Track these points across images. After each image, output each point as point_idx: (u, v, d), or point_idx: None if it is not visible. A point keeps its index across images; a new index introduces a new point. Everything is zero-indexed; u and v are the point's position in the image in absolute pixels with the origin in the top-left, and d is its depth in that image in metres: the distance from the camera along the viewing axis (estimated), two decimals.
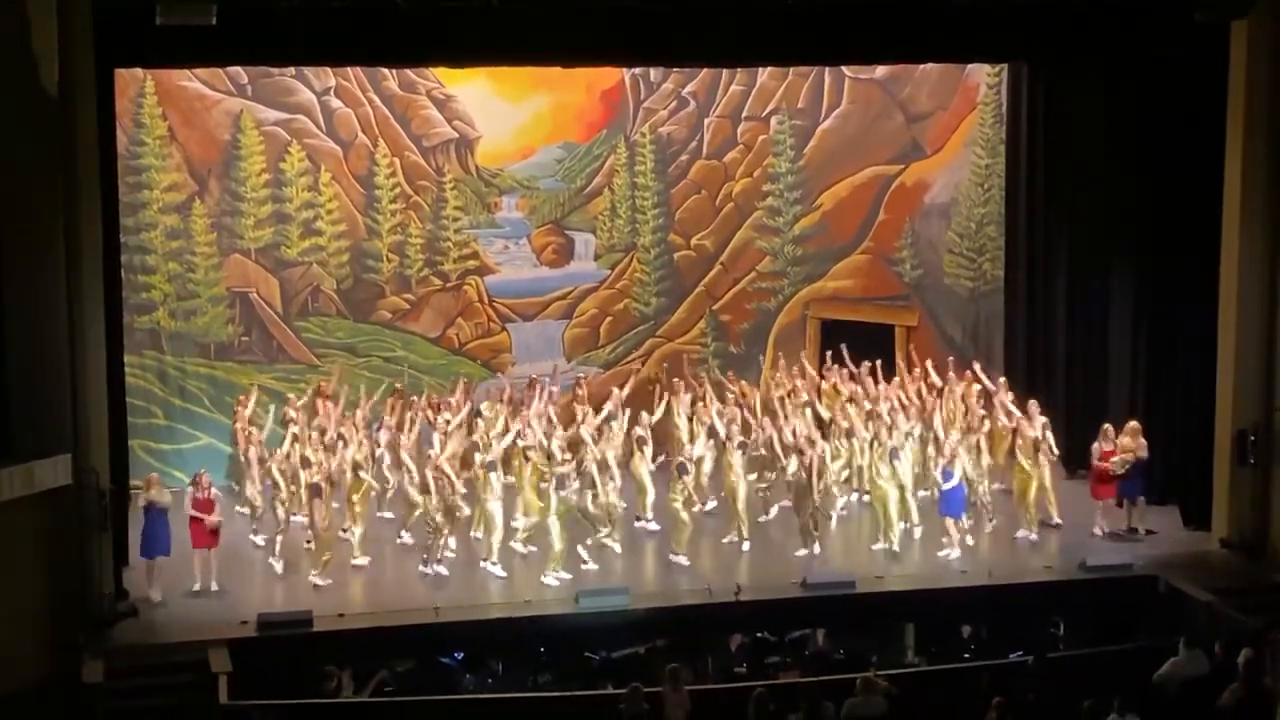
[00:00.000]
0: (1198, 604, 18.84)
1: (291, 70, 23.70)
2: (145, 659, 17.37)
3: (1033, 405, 21.46)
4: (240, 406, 22.08)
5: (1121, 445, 20.94)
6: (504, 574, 19.68)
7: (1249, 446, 20.42)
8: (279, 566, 19.90)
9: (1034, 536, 20.91)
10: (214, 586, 19.17)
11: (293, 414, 21.68)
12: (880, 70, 25.74)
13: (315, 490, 19.43)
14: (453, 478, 19.63)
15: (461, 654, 18.82)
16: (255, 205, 24.03)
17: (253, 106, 23.83)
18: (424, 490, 19.83)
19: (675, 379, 22.82)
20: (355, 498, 20.19)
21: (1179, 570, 19.80)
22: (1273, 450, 20.36)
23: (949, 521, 20.34)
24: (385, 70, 23.98)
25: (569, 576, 19.40)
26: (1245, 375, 20.52)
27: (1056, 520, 21.36)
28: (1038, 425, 21.04)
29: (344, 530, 20.30)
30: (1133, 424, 21.28)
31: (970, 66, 25.79)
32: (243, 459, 21.21)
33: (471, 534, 20.37)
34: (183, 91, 23.52)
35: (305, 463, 19.96)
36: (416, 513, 20.32)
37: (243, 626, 17.97)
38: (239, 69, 23.34)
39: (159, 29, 17.32)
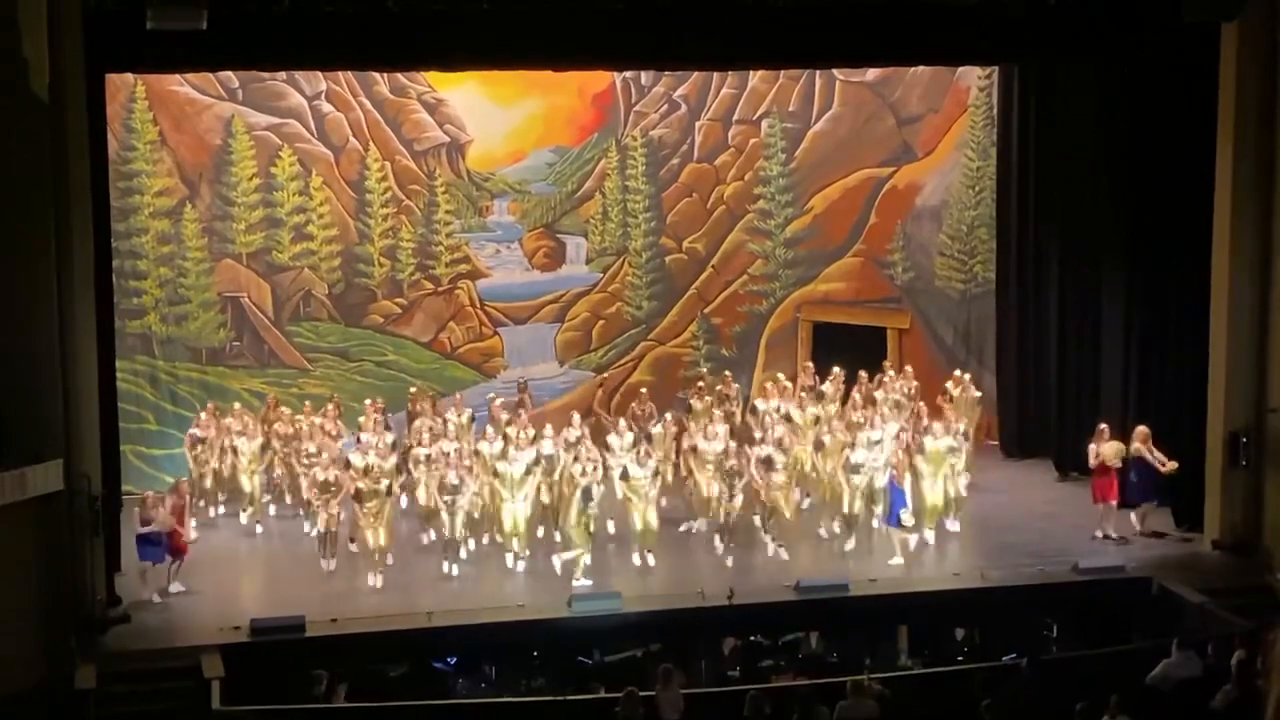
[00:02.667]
0: (1190, 605, 18.85)
1: (282, 75, 23.69)
2: (138, 664, 17.34)
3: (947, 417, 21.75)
4: (206, 431, 21.93)
5: (1133, 450, 20.93)
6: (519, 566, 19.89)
7: (1240, 448, 20.44)
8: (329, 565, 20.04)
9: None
10: (175, 587, 19.12)
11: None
12: (871, 73, 25.76)
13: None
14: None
15: (455, 658, 18.81)
16: (246, 210, 24.03)
17: (244, 111, 23.83)
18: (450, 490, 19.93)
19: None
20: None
21: (1171, 572, 19.81)
22: (1264, 452, 20.38)
23: (893, 532, 20.22)
24: (376, 74, 23.98)
25: (589, 583, 19.44)
26: (1236, 377, 20.54)
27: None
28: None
29: (351, 541, 20.40)
30: (1141, 428, 21.20)
31: (961, 69, 25.82)
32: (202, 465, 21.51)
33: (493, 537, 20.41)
34: (173, 96, 23.51)
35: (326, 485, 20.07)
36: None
37: (235, 632, 17.94)
38: (230, 74, 23.33)
39: (150, 34, 17.33)
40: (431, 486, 20.17)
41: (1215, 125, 20.48)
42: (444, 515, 20.00)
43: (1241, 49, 20.08)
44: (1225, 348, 20.58)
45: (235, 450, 21.58)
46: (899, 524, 20.02)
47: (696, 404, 22.90)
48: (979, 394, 23.88)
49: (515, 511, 19.99)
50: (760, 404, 22.77)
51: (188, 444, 21.93)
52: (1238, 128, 20.20)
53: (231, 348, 24.18)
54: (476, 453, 20.78)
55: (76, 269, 18.00)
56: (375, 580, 19.42)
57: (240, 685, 16.81)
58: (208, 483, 21.80)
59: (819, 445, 21.49)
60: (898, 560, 19.97)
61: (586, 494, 19.55)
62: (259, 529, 21.65)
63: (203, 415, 22.18)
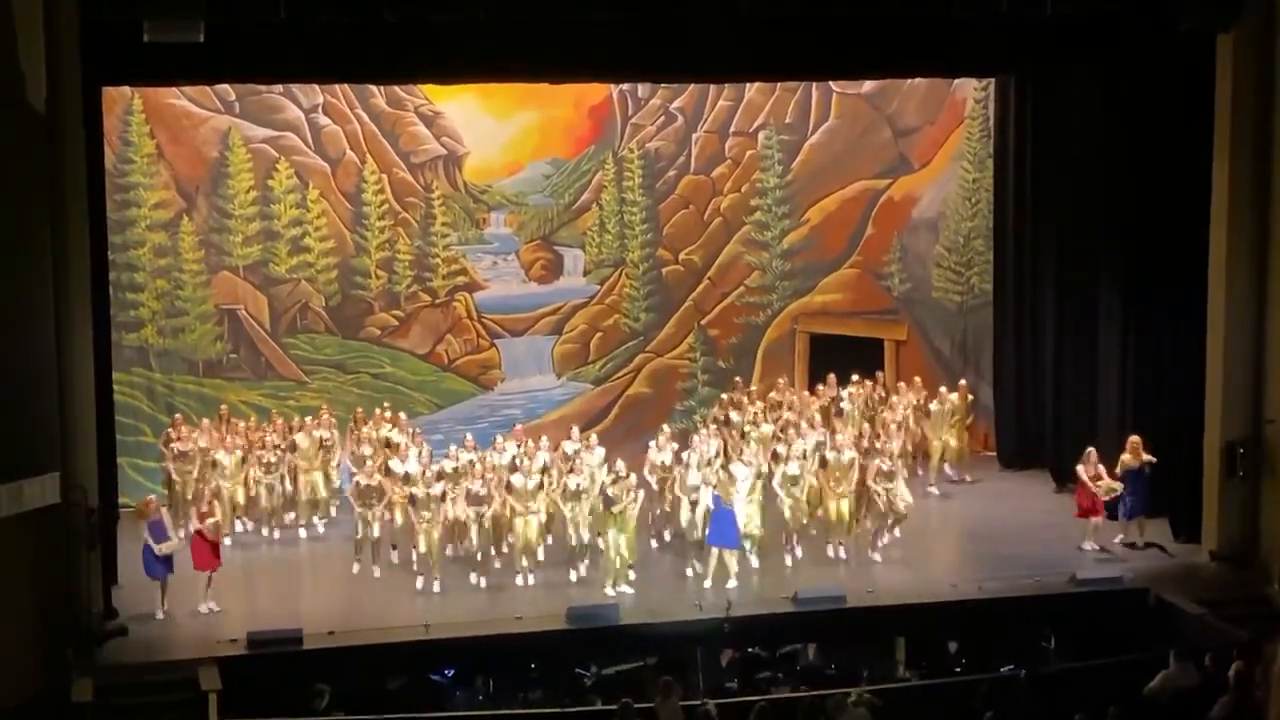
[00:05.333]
0: (1188, 616, 18.83)
1: (279, 87, 23.71)
2: (135, 677, 17.29)
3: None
4: (187, 445, 21.89)
5: (1122, 461, 20.90)
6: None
7: (1238, 459, 20.42)
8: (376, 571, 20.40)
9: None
10: (202, 609, 19.09)
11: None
12: (867, 85, 25.79)
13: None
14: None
15: (452, 671, 18.79)
16: (243, 222, 24.04)
17: (240, 124, 23.85)
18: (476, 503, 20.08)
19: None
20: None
21: (1169, 583, 19.79)
22: (1261, 463, 20.37)
23: (720, 552, 19.75)
24: (373, 87, 24.00)
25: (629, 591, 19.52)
26: (1233, 388, 20.53)
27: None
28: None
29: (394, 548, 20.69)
30: (1133, 439, 21.19)
31: (957, 81, 25.87)
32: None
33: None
34: (170, 109, 23.53)
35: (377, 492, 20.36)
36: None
37: (232, 644, 17.91)
38: (227, 86, 23.34)
39: (147, 46, 17.34)
40: (459, 499, 20.14)
41: (1212, 135, 20.50)
42: (471, 527, 20.13)
43: (1238, 59, 20.09)
44: (1222, 358, 20.57)
45: (215, 464, 21.53)
46: (732, 543, 19.76)
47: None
48: (950, 405, 23.83)
49: (529, 524, 20.00)
50: (735, 416, 22.81)
51: (169, 458, 21.85)
52: (1234, 138, 20.21)
53: (228, 360, 24.18)
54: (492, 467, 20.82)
55: (73, 281, 17.98)
56: (432, 584, 19.71)
57: (238, 698, 16.78)
58: (189, 494, 21.59)
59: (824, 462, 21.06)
60: (733, 584, 19.65)
61: (608, 501, 19.57)
62: (227, 540, 21.56)
63: (183, 429, 22.09)
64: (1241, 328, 20.46)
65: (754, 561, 20.33)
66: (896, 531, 21.15)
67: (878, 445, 21.34)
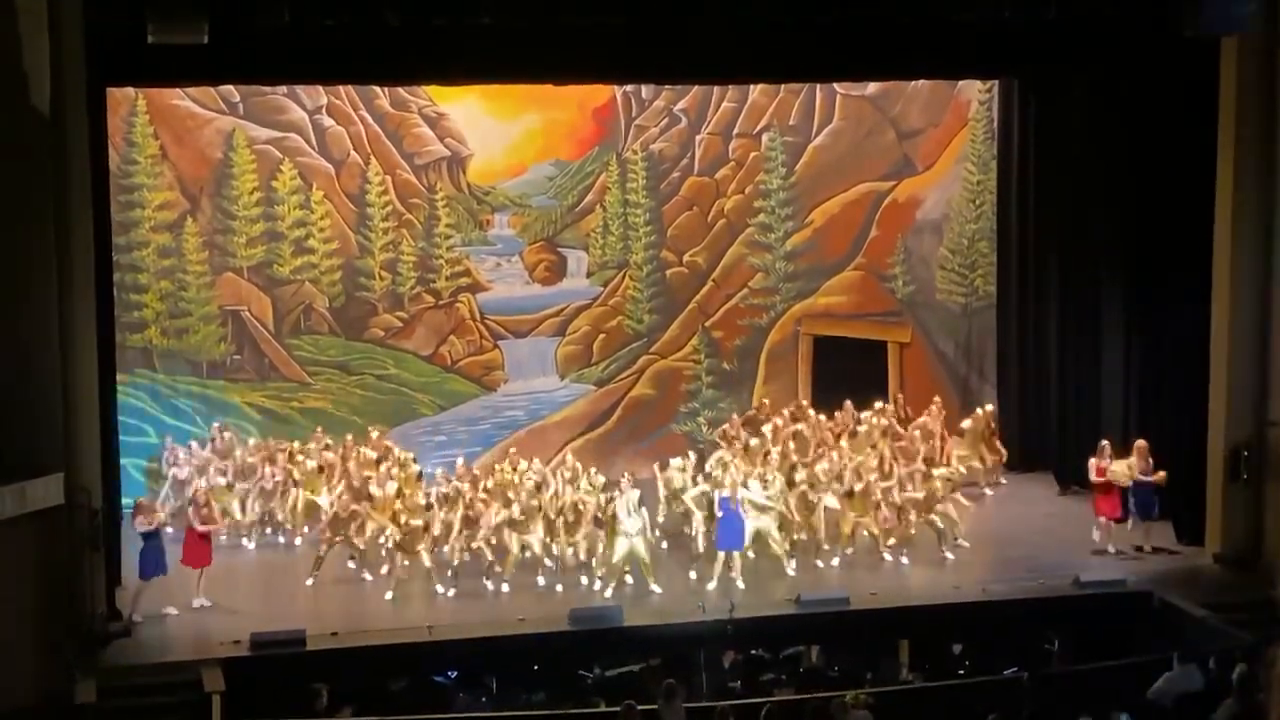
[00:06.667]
0: (1192, 619, 18.82)
1: (283, 89, 23.72)
2: (138, 679, 17.30)
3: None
4: (188, 465, 21.86)
5: (1130, 465, 20.87)
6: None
7: (1241, 462, 20.41)
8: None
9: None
10: (195, 604, 19.08)
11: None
12: (872, 87, 25.77)
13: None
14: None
15: (455, 672, 18.78)
16: (247, 223, 24.04)
17: (244, 125, 23.85)
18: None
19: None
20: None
21: (1173, 586, 19.78)
22: (1265, 466, 20.36)
23: (723, 555, 19.79)
24: (377, 88, 24.01)
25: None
26: (1237, 391, 20.52)
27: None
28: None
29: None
30: (1139, 443, 21.17)
31: (961, 83, 25.85)
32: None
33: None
34: (174, 110, 23.54)
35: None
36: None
37: (236, 646, 17.91)
38: (231, 87, 23.36)
39: (151, 47, 17.32)
40: (454, 520, 20.01)
41: (1215, 138, 20.49)
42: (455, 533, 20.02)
43: (1241, 62, 20.09)
44: (1226, 361, 20.56)
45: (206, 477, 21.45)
46: (738, 545, 19.74)
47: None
48: (968, 424, 23.84)
49: (530, 542, 19.95)
50: (754, 441, 22.60)
51: (170, 481, 21.77)
52: (1238, 140, 20.20)
53: (232, 361, 24.18)
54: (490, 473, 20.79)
55: (77, 282, 17.98)
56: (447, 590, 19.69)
57: (241, 699, 16.79)
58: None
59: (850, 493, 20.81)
60: (741, 584, 19.69)
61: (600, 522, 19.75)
62: (250, 545, 21.69)
63: (182, 451, 22.09)
64: (1245, 330, 20.44)
65: (756, 568, 20.33)
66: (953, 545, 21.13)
67: (901, 469, 21.28)
